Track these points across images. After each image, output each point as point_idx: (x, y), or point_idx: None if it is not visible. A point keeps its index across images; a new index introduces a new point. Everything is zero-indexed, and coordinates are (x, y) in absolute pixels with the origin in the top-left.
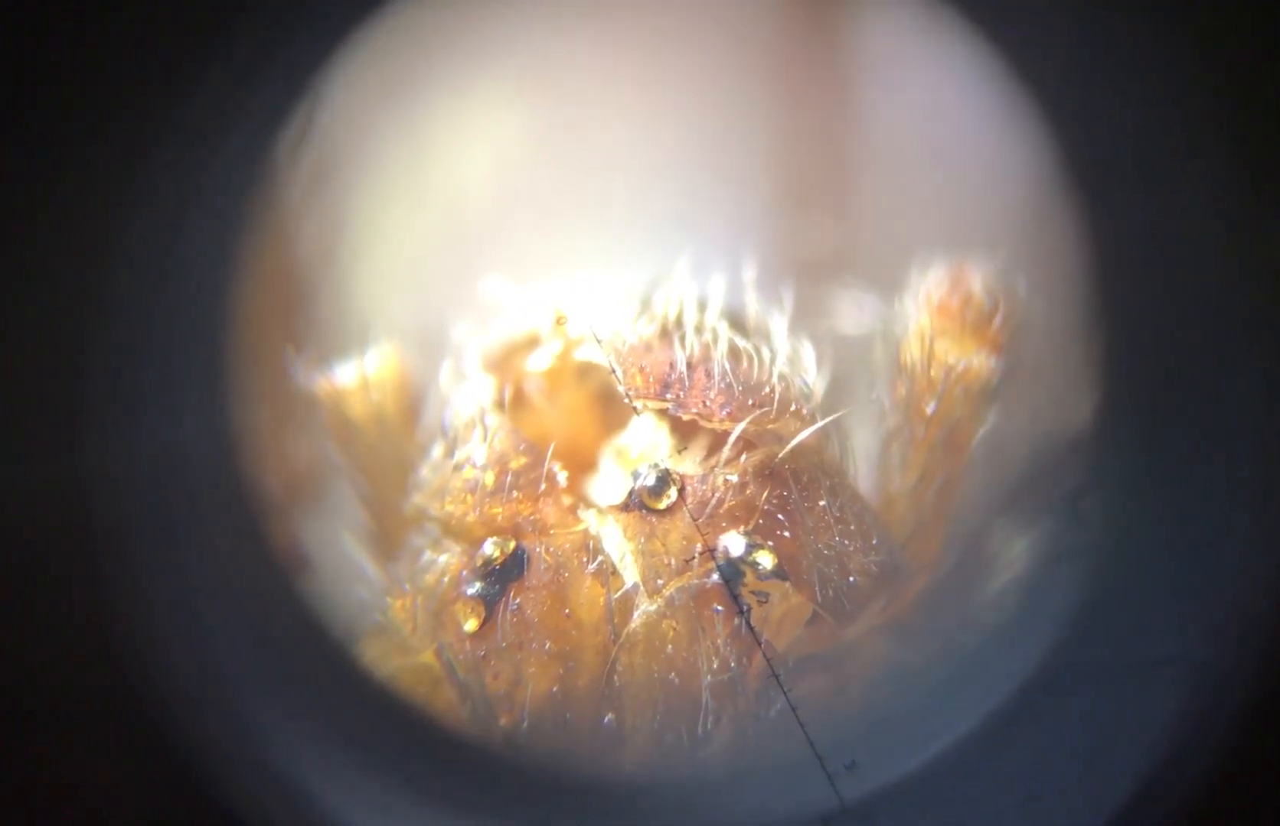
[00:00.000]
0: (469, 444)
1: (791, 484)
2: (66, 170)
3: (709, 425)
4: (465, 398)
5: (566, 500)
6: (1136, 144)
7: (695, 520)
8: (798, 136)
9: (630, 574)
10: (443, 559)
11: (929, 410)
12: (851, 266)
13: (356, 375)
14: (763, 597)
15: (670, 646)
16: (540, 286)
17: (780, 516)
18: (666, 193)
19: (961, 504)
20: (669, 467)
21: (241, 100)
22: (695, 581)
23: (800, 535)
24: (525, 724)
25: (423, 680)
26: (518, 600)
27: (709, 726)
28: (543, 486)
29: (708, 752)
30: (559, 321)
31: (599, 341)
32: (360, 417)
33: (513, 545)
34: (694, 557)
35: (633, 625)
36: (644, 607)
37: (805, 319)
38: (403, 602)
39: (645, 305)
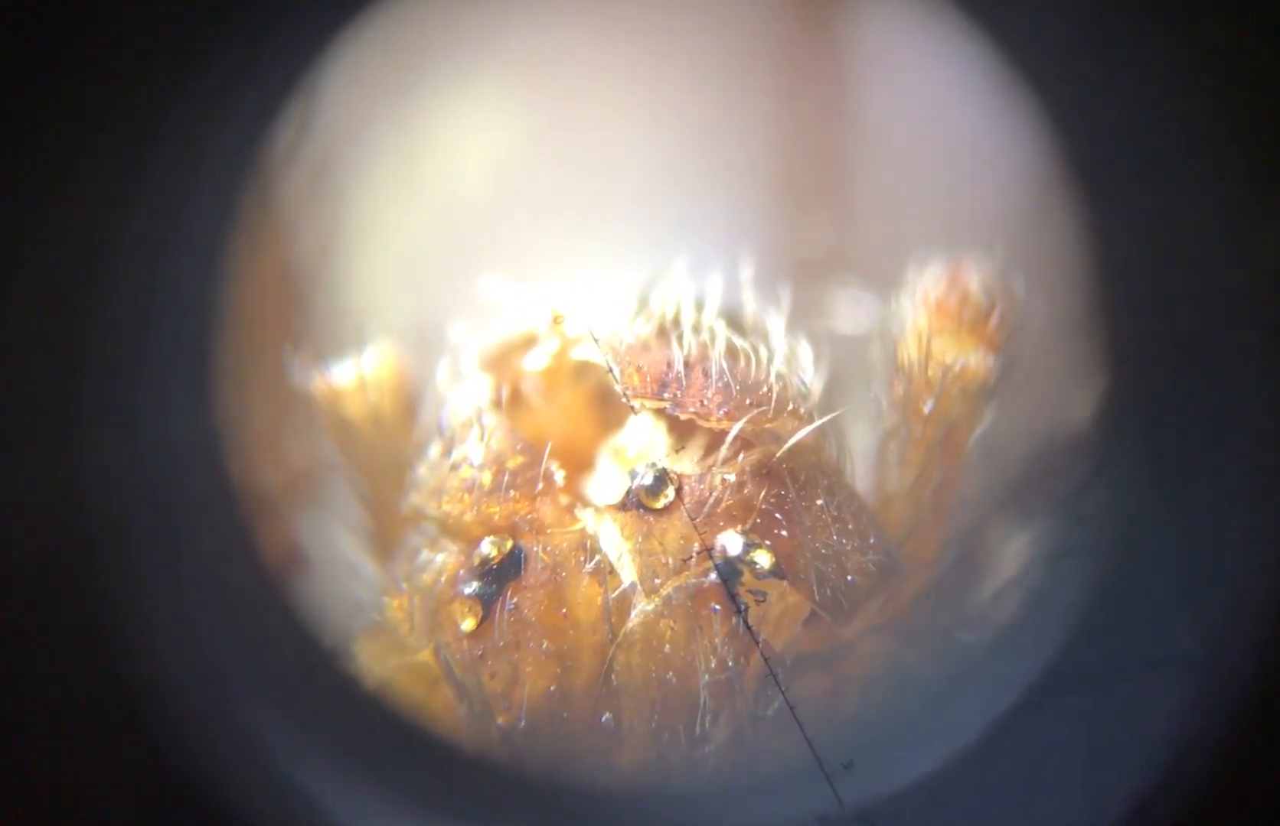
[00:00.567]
0: (466, 443)
1: (789, 483)
2: (59, 171)
3: (706, 424)
4: (462, 397)
5: (564, 499)
6: (1135, 140)
7: (693, 519)
8: (795, 135)
9: (628, 573)
10: (440, 558)
11: (926, 409)
12: (849, 265)
13: (353, 374)
14: (760, 597)
15: (668, 645)
16: (537, 285)
17: (778, 515)
18: (664, 192)
19: (959, 503)
20: (666, 467)
21: (235, 98)
22: (693, 580)
23: (798, 534)
24: (522, 723)
25: (420, 679)
26: (515, 599)
27: (706, 725)
28: (540, 485)
29: (705, 752)
30: (556, 320)
31: (596, 340)
32: (357, 417)
33: (510, 544)
34: (691, 557)
35: (630, 624)
36: (641, 607)
37: (803, 318)
38: (400, 602)
39: (642, 304)
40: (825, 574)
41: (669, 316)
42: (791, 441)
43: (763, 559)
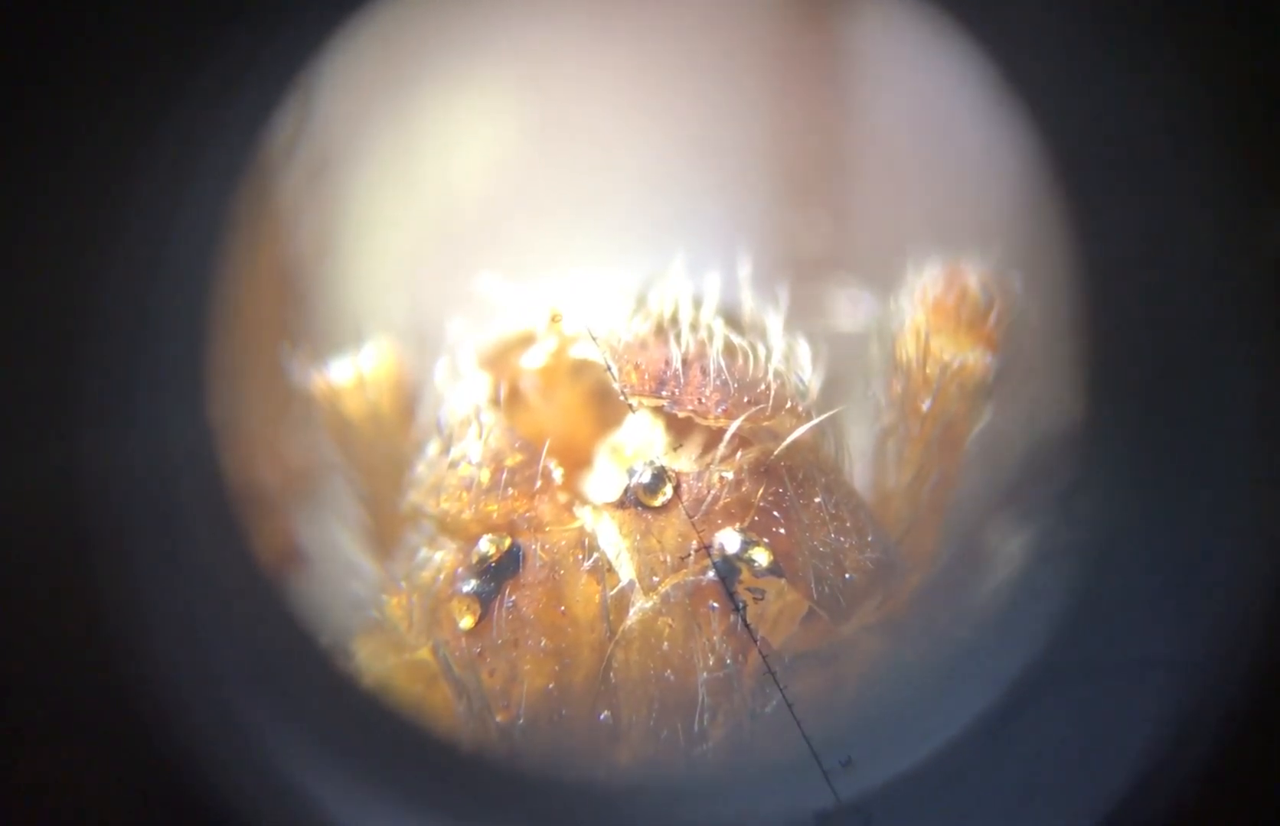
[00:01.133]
0: (464, 441)
1: (787, 481)
2: (57, 169)
3: (704, 422)
4: (460, 395)
5: (562, 497)
6: (1127, 142)
7: (691, 517)
8: (793, 134)
9: (626, 571)
10: (438, 556)
11: (924, 407)
12: (847, 263)
13: (352, 372)
14: (758, 594)
15: (666, 643)
16: (535, 283)
17: (776, 513)
18: (662, 190)
19: (957, 501)
20: (664, 465)
21: (233, 96)
22: (691, 578)
23: (796, 532)
24: (521, 720)
25: (418, 677)
26: (513, 597)
27: (705, 723)
28: (538, 483)
29: (703, 749)
30: (554, 319)
31: (594, 339)
32: (355, 415)
33: (508, 542)
34: (689, 554)
35: (628, 622)
36: (640, 604)
37: (800, 316)
38: (398, 600)
39: (640, 302)
40: (823, 571)
41: (667, 314)
42: (789, 439)
43: (761, 556)
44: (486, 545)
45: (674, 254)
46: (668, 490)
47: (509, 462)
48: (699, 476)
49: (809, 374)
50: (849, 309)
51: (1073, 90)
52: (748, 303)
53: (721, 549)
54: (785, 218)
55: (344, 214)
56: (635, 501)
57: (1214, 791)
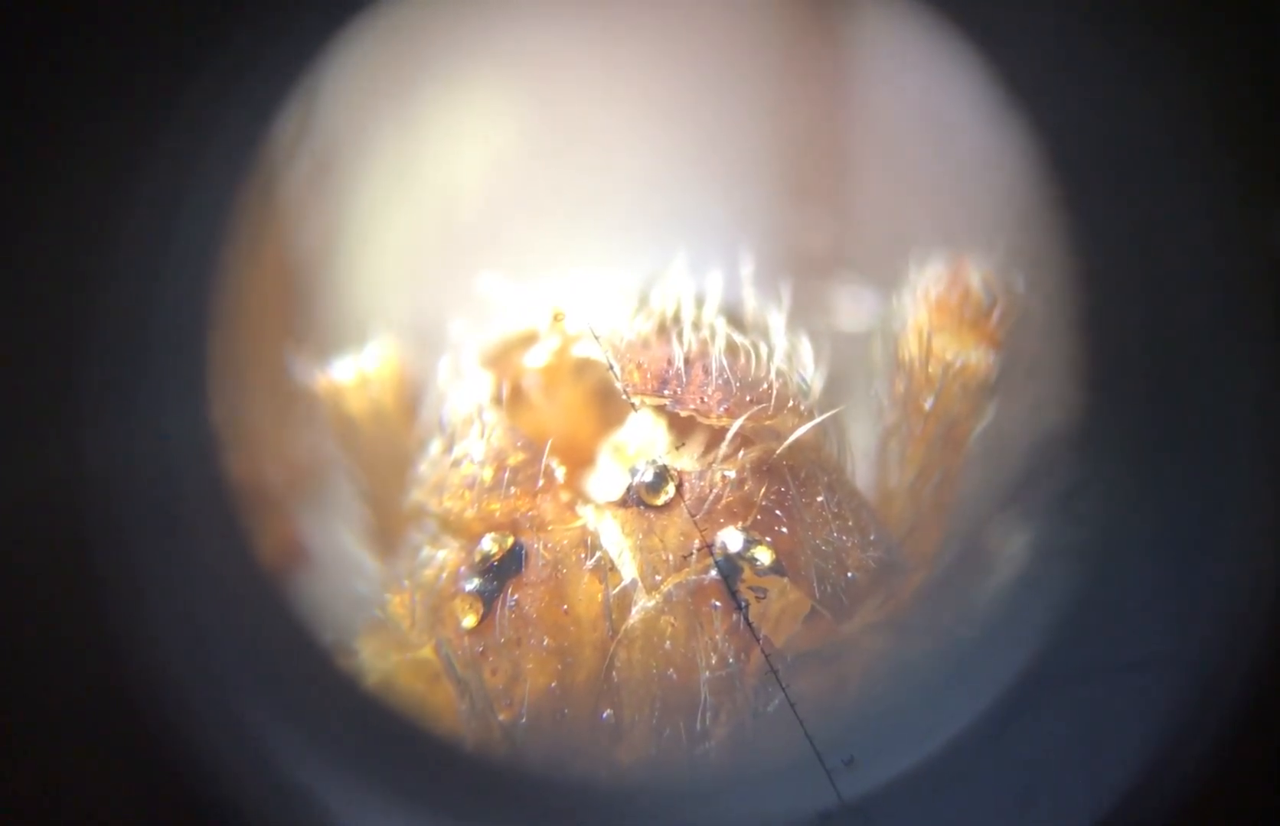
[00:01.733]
0: (467, 440)
1: (789, 480)
2: (59, 168)
3: (707, 421)
4: (463, 394)
5: (564, 496)
6: (1128, 142)
7: (693, 516)
8: (795, 133)
9: (628, 570)
10: (441, 555)
11: (927, 406)
12: (849, 262)
13: (354, 371)
14: (761, 593)
15: (668, 642)
16: (538, 282)
17: (778, 512)
18: (664, 189)
19: (959, 500)
20: (667, 464)
21: (236, 96)
22: (693, 577)
23: (798, 531)
24: (523, 719)
25: (421, 675)
26: (516, 596)
27: (707, 722)
28: (541, 482)
29: (706, 748)
30: (556, 318)
31: (597, 338)
32: (358, 413)
33: (511, 541)
34: (692, 554)
35: (631, 621)
36: (642, 603)
37: (803, 315)
38: (401, 598)
39: (643, 301)
40: (825, 571)
41: (669, 313)
42: (792, 438)
43: (763, 556)
44: (489, 544)
45: (676, 253)
46: (670, 489)
47: (512, 461)
48: (701, 475)
49: (811, 373)
50: (851, 307)
51: (1074, 90)
52: (750, 301)
53: (724, 548)
54: (787, 216)
55: (347, 213)
56: (638, 500)
57: (1215, 790)
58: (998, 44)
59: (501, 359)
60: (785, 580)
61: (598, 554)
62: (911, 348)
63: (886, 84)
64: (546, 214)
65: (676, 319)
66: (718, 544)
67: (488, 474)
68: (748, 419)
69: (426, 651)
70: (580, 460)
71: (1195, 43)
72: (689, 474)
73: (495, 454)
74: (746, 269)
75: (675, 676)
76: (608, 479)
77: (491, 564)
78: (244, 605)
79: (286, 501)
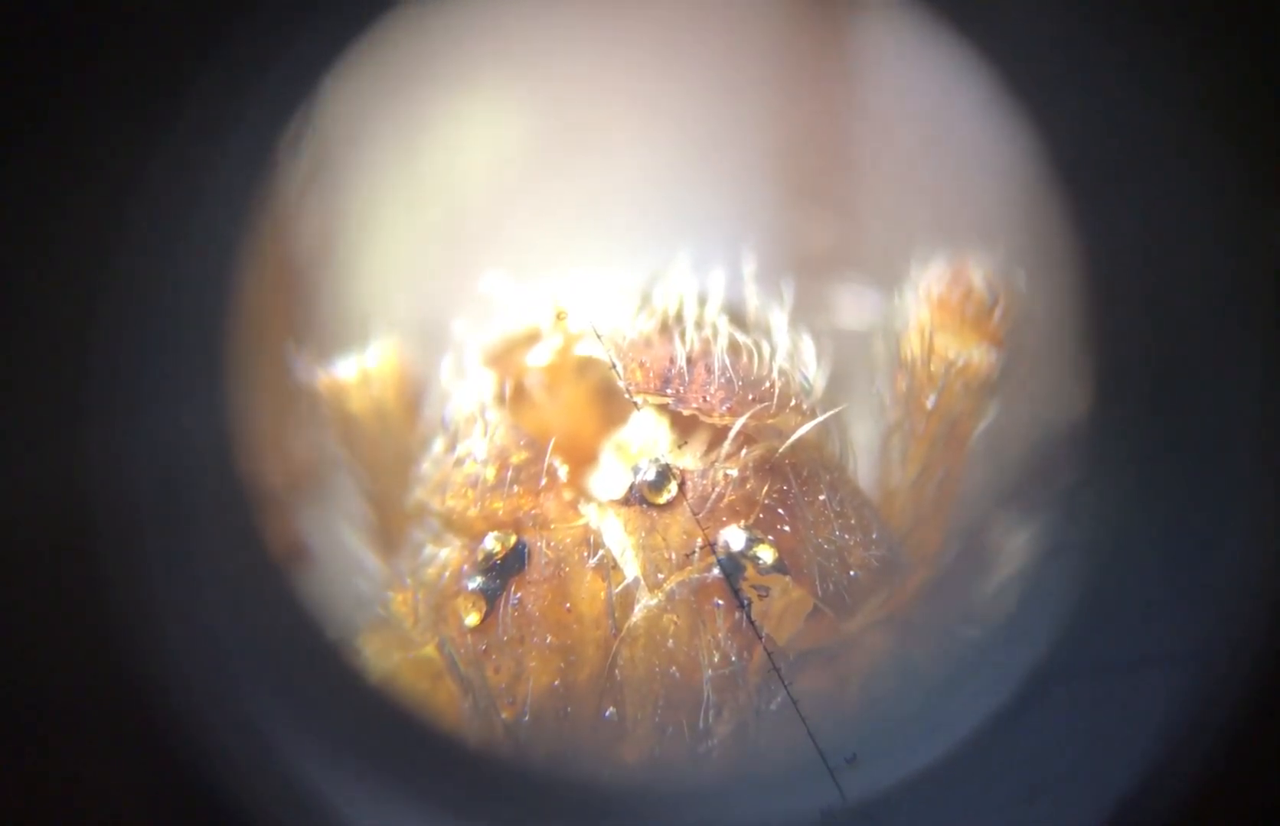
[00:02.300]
0: (470, 438)
1: (792, 478)
2: (68, 169)
3: (709, 420)
4: (466, 392)
5: (567, 495)
6: (1129, 141)
7: (696, 515)
8: (798, 132)
9: (631, 568)
10: (444, 553)
11: (929, 404)
12: (851, 261)
13: (357, 370)
14: (763, 592)
15: (671, 640)
16: (541, 281)
17: (780, 511)
18: (666, 188)
19: (962, 498)
20: (669, 462)
21: (244, 98)
22: (696, 576)
23: (800, 529)
24: (526, 717)
25: (424, 673)
26: (519, 594)
27: (710, 720)
28: (543, 481)
29: (708, 746)
30: (559, 316)
31: (599, 336)
32: (361, 412)
33: (514, 539)
34: (694, 552)
35: (633, 619)
36: (645, 602)
37: (805, 314)
38: (404, 596)
39: (645, 300)
40: (828, 569)
41: (672, 312)
42: (794, 437)
43: (765, 554)
44: (492, 542)
45: (679, 252)
46: (672, 487)
47: (514, 460)
48: (704, 474)
49: (813, 371)
50: (854, 306)
51: (1075, 89)
52: (752, 300)
53: (726, 546)
54: (790, 215)
55: (350, 212)
56: (640, 499)
57: (1218, 788)
58: (999, 44)
59: (504, 357)
60: (787, 578)
61: (600, 552)
62: (914, 346)
63: (889, 83)
64: (549, 213)
65: (679, 318)
66: (720, 542)
67: (490, 472)
68: (750, 417)
69: (429, 649)
70: (583, 458)
71: (1196, 42)
72: (691, 472)
73: (498, 452)
74: (749, 268)
75: (678, 674)
76: (610, 477)
77: (494, 562)
78: (248, 601)
79: (289, 500)
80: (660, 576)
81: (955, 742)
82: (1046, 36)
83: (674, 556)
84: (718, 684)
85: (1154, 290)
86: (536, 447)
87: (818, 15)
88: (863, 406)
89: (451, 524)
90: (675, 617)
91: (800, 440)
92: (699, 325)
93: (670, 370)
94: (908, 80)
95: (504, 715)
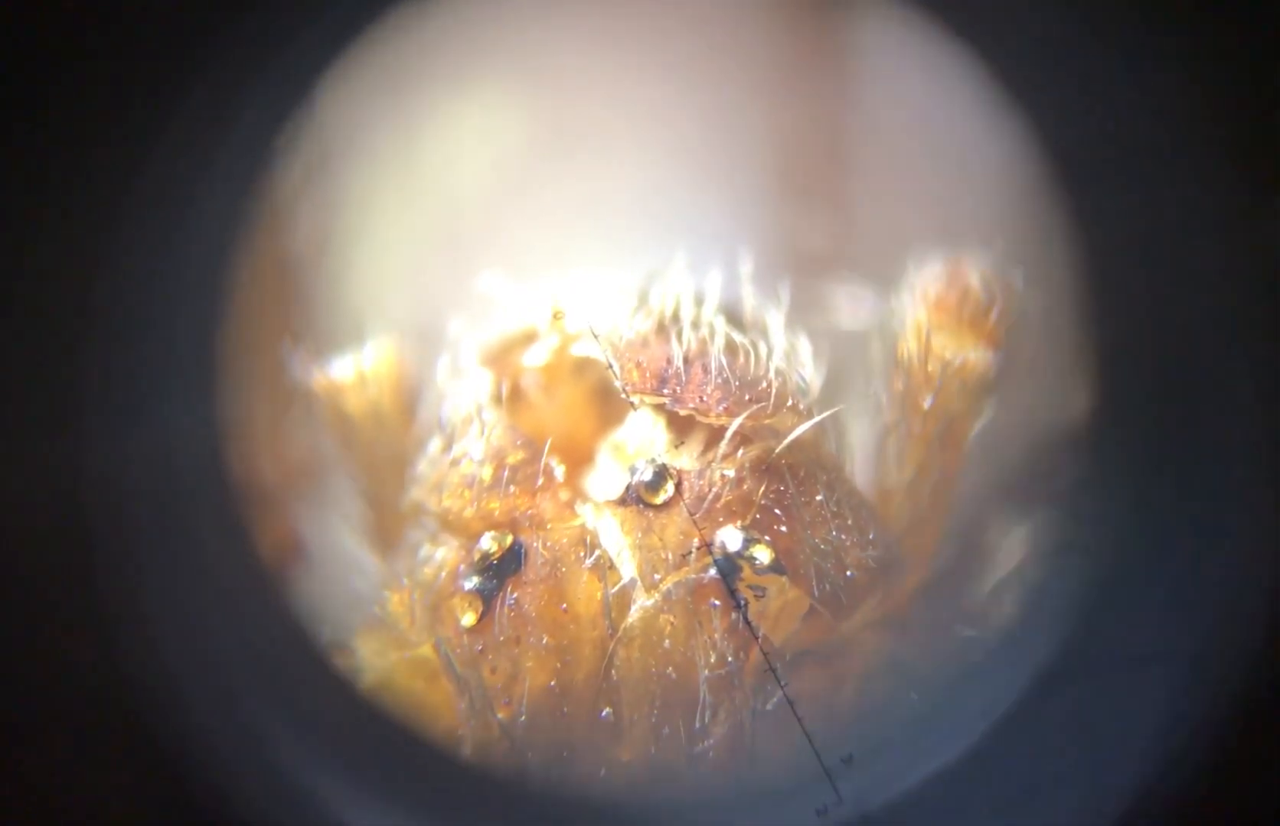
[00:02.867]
0: (466, 438)
1: (788, 479)
2: (63, 169)
3: (706, 420)
4: (462, 392)
5: (564, 495)
6: (1128, 140)
7: (692, 515)
8: (794, 132)
9: (627, 568)
10: (440, 553)
11: (926, 405)
12: (848, 261)
13: (353, 370)
14: (760, 592)
15: (667, 641)
16: (537, 281)
17: (777, 511)
18: (663, 188)
19: (958, 498)
20: (666, 462)
21: (240, 98)
22: (692, 576)
23: (797, 530)
24: (522, 717)
25: (420, 673)
26: (515, 594)
27: (706, 720)
28: (540, 481)
29: (705, 747)
30: (556, 316)
31: (596, 336)
32: (357, 412)
33: (510, 540)
34: (691, 552)
35: (630, 620)
36: (641, 602)
37: (802, 314)
38: (400, 596)
39: (642, 300)
40: (824, 569)
41: (668, 312)
42: (791, 437)
43: (762, 554)
44: (488, 542)
45: (675, 251)
46: (669, 488)
47: (511, 460)
48: (700, 474)
49: (810, 371)
50: (850, 306)
51: (1072, 89)
52: (749, 300)
53: (723, 546)
54: (786, 215)
55: (346, 211)
56: (637, 499)
57: (1219, 786)
58: (996, 43)
59: (501, 357)
60: (784, 578)
61: (597, 552)
62: (910, 346)
63: (886, 83)
64: (546, 212)
65: (676, 318)
66: (717, 542)
67: (487, 472)
68: (747, 417)
69: (425, 649)
70: (579, 459)
71: (1194, 41)
72: (688, 472)
73: (494, 452)
74: (745, 268)
75: (674, 675)
76: (607, 477)
77: (491, 562)
78: (244, 603)
79: (284, 499)
80: (657, 577)
81: (953, 743)
82: (1043, 35)
83: (670, 557)
84: (714, 684)
85: (1152, 290)
86: (533, 448)
87: (815, 16)
88: (859, 407)
89: (448, 524)
90: (672, 618)
91: (797, 440)
92: (696, 325)
93: (667, 370)
94: (905, 80)
95: (500, 715)
